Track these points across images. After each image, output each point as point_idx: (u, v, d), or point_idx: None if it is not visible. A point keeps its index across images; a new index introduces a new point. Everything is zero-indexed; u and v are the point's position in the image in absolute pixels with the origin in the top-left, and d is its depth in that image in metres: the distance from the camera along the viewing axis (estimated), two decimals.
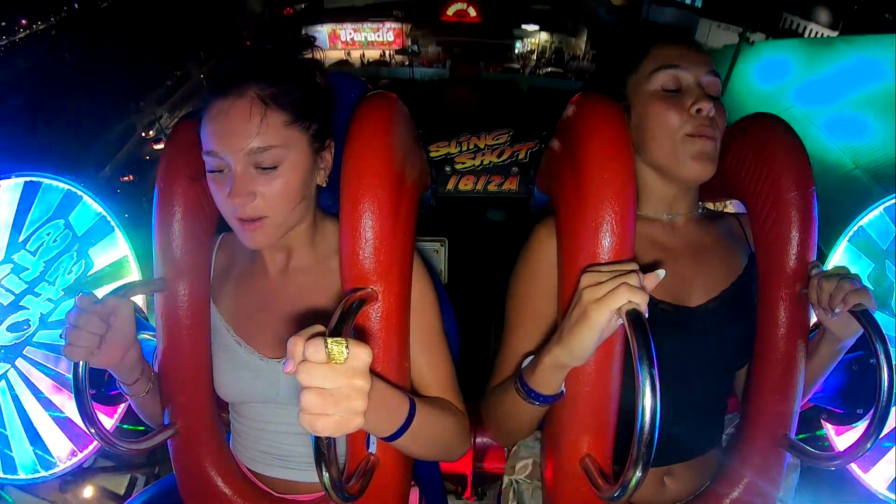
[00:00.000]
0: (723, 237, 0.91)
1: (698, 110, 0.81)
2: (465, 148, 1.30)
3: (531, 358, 0.75)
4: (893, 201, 1.34)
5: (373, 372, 0.59)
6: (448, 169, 1.29)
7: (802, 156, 0.82)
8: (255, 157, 0.74)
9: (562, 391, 0.74)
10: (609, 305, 0.62)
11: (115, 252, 1.38)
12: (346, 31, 23.58)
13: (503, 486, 1.00)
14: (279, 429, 0.88)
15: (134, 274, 1.38)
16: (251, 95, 0.74)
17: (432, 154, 1.28)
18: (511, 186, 1.30)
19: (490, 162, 1.29)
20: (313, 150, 0.79)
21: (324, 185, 0.83)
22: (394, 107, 0.78)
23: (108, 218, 1.37)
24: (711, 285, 0.87)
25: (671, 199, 0.88)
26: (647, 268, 0.82)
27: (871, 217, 1.36)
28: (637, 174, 0.86)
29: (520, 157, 1.29)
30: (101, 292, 0.78)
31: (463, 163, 1.30)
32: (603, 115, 0.74)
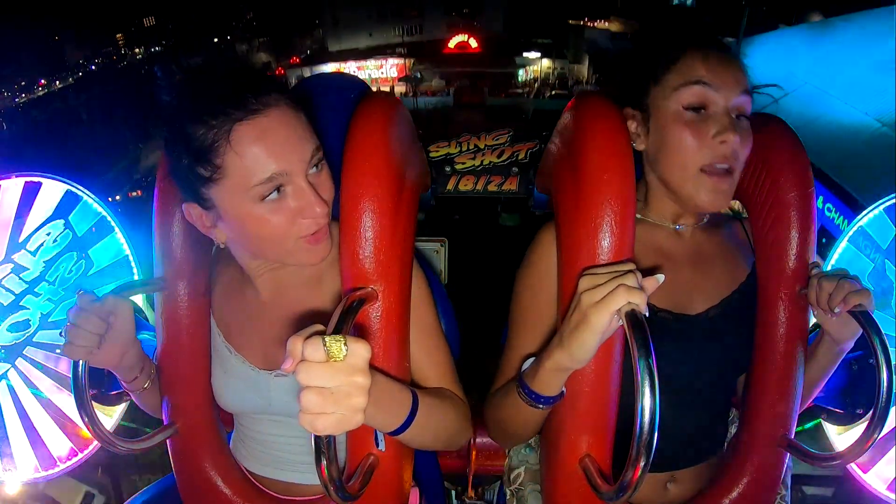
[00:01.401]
0: (726, 244, 0.90)
1: (722, 142, 0.76)
2: (465, 148, 1.30)
3: (532, 360, 0.75)
4: (893, 201, 1.34)
5: (374, 367, 0.59)
6: (448, 169, 1.29)
7: (802, 156, 0.82)
8: (312, 161, 0.72)
9: (562, 391, 0.74)
10: (608, 308, 0.61)
11: (115, 252, 1.38)
12: (350, 68, 23.97)
13: (506, 499, 1.00)
14: (276, 439, 0.88)
15: (134, 274, 1.38)
16: (282, 105, 0.70)
17: (432, 154, 1.28)
18: (511, 186, 1.30)
19: (490, 162, 1.29)
20: None
21: None
22: (393, 107, 0.78)
23: (108, 218, 1.37)
24: (712, 293, 0.86)
25: (678, 210, 0.86)
26: (648, 273, 0.82)
27: (871, 217, 1.36)
28: (647, 180, 0.85)
29: (520, 157, 1.29)
30: (101, 292, 0.78)
31: (463, 163, 1.30)
32: (602, 116, 0.74)
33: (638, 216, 0.85)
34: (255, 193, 0.68)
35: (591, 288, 0.64)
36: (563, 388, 0.74)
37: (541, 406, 0.73)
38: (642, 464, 0.56)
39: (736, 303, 0.87)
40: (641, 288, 0.62)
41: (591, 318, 0.62)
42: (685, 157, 0.77)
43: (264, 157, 0.67)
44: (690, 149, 0.77)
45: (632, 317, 0.60)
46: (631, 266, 0.65)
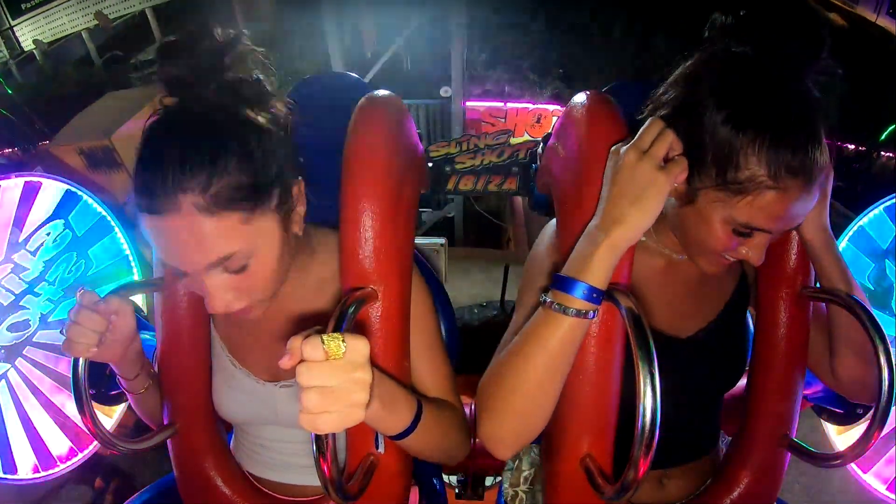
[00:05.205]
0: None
1: (748, 257, 0.73)
2: (465, 148, 1.30)
3: (555, 276, 0.68)
4: (893, 201, 1.34)
5: (379, 368, 0.59)
6: (448, 169, 1.29)
7: None
8: (220, 265, 0.65)
9: (607, 290, 0.66)
10: (673, 170, 0.64)
11: (115, 252, 1.38)
12: None
13: (508, 498, 1.00)
14: (281, 445, 0.89)
15: (134, 274, 1.38)
16: (187, 208, 0.60)
17: (432, 154, 1.28)
18: (511, 186, 1.30)
19: (490, 162, 1.30)
20: (282, 216, 0.70)
21: (300, 234, 0.75)
22: (393, 107, 0.78)
23: (108, 218, 1.37)
24: (703, 315, 0.86)
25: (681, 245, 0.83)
26: (645, 301, 0.79)
27: (871, 217, 1.36)
28: (661, 217, 0.76)
29: (520, 156, 1.29)
30: (100, 292, 0.78)
31: (463, 163, 1.30)
32: (603, 115, 0.74)
33: (642, 238, 0.84)
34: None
35: (641, 155, 0.64)
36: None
37: (589, 309, 0.64)
38: (644, 463, 0.56)
39: (722, 322, 0.87)
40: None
41: (660, 182, 0.63)
42: (708, 248, 0.74)
43: (156, 246, 0.66)
44: (717, 247, 0.73)
45: (633, 316, 0.60)
46: (652, 122, 0.67)
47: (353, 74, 1.02)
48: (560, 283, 0.66)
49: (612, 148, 0.68)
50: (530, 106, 5.69)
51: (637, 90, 0.84)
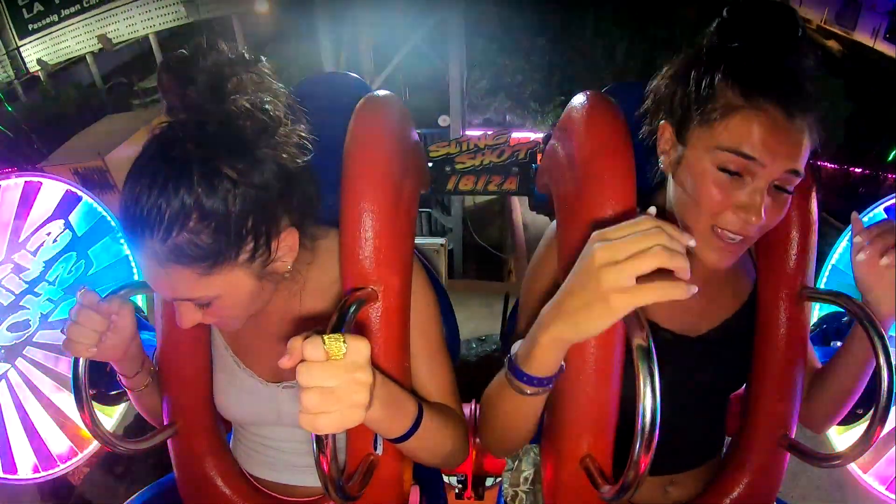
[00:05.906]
0: (735, 264, 0.83)
1: (743, 217, 0.70)
2: (465, 148, 1.30)
3: (520, 343, 0.67)
4: (893, 201, 1.34)
5: (379, 369, 0.59)
6: (448, 169, 1.29)
7: None
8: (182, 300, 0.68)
9: (562, 367, 0.66)
10: (636, 300, 0.52)
11: (115, 252, 1.38)
12: None
13: (508, 498, 1.00)
14: (281, 446, 0.89)
15: (134, 274, 1.38)
16: (146, 251, 0.62)
17: (432, 154, 1.28)
18: (511, 186, 1.30)
19: (490, 162, 1.30)
20: (257, 266, 0.68)
21: (287, 275, 0.75)
22: (393, 107, 0.78)
23: (108, 218, 1.37)
24: (715, 315, 0.85)
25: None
26: None
27: (870, 216, 1.36)
28: (669, 197, 0.80)
29: (520, 156, 1.29)
30: (101, 292, 0.78)
31: (463, 163, 1.30)
32: (603, 115, 0.74)
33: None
34: None
35: (610, 263, 0.52)
36: (563, 364, 0.66)
37: (540, 390, 0.65)
38: (644, 464, 0.56)
39: (736, 323, 0.86)
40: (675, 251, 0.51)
41: (614, 303, 0.53)
42: (701, 212, 0.72)
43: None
44: (710, 207, 0.71)
45: (632, 315, 0.59)
46: (653, 224, 0.52)
47: (354, 74, 1.02)
48: (510, 367, 0.67)
49: (595, 233, 0.56)
50: (531, 136, 5.71)
51: (637, 90, 0.84)
